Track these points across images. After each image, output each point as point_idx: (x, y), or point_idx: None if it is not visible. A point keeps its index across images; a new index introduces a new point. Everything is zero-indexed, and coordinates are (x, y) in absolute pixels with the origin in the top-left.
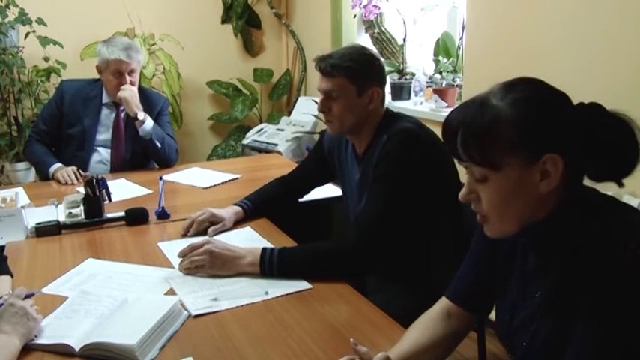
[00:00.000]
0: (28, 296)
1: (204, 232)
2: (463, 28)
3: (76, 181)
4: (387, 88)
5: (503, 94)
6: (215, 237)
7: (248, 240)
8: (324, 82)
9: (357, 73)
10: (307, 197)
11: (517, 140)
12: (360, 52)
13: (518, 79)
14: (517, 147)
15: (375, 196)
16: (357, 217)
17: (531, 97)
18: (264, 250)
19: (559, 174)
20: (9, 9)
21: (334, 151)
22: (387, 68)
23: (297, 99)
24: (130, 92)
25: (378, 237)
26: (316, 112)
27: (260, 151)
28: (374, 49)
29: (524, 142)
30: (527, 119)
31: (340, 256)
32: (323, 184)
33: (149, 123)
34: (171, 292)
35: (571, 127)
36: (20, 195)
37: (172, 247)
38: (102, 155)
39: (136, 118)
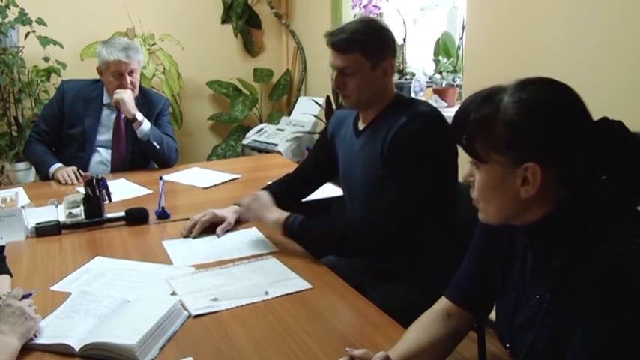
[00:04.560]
0: (25, 296)
1: (207, 234)
2: (463, 28)
3: (76, 181)
4: None
5: (514, 91)
6: (220, 236)
7: (252, 241)
8: (338, 59)
9: (371, 48)
10: (307, 197)
11: (505, 141)
12: (372, 24)
13: (536, 79)
14: (504, 147)
15: (401, 179)
16: (378, 200)
17: (537, 101)
18: (289, 215)
19: (537, 184)
20: (9, 9)
21: (336, 132)
22: None
23: (297, 99)
24: (126, 94)
25: (404, 218)
26: (316, 113)
27: (260, 151)
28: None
29: (512, 144)
30: (523, 123)
31: (362, 232)
32: (328, 179)
33: (146, 124)
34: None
35: (573, 139)
36: (20, 195)
37: (176, 246)
38: (102, 156)
39: (133, 120)
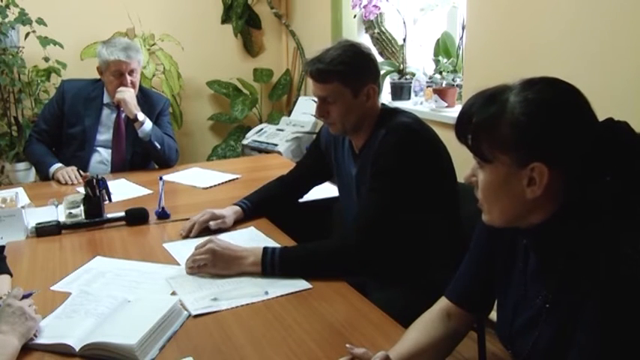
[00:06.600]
0: (25, 296)
1: (206, 234)
2: (463, 28)
3: (76, 181)
4: (387, 88)
5: (519, 90)
6: (219, 236)
7: (252, 240)
8: (317, 89)
9: (350, 76)
10: (307, 197)
11: (511, 141)
12: (350, 51)
13: (542, 78)
14: (510, 147)
15: (374, 193)
16: (356, 214)
17: (543, 101)
18: (265, 250)
19: (544, 184)
20: (9, 9)
21: (331, 147)
22: (387, 68)
23: (297, 99)
24: (128, 94)
25: (377, 233)
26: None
27: (260, 151)
28: (364, 43)
29: (518, 144)
30: (528, 123)
31: (340, 253)
32: (321, 183)
33: (148, 124)
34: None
35: (577, 140)
36: (20, 195)
37: (178, 247)
38: (102, 155)
39: (135, 119)
